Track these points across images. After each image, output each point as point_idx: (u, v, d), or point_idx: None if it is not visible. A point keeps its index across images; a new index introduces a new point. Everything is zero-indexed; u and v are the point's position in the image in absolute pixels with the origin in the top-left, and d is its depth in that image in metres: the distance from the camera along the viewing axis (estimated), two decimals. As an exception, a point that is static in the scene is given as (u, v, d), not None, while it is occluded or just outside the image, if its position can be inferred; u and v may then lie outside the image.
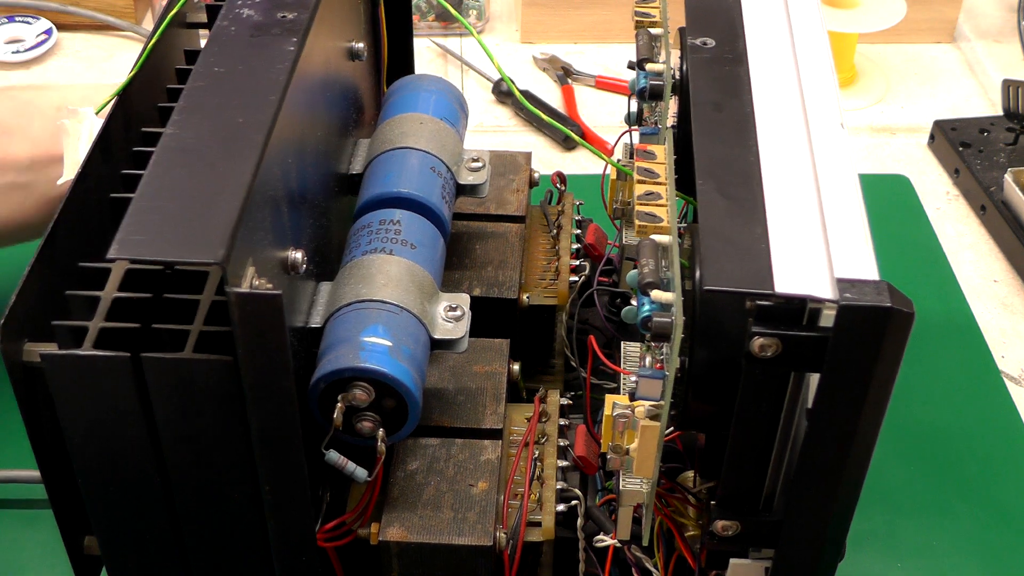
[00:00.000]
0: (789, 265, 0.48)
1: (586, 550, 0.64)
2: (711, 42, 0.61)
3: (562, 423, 0.68)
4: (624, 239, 0.75)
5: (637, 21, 0.71)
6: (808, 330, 0.47)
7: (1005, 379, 0.92)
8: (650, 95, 0.68)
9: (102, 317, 0.51)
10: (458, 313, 0.62)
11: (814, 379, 0.49)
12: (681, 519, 0.61)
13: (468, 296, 0.63)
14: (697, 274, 0.52)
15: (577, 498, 0.65)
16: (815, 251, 0.49)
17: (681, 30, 0.67)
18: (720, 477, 0.53)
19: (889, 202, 1.07)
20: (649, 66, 0.68)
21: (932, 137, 1.16)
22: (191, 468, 0.53)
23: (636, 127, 0.71)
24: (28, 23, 1.26)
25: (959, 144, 1.12)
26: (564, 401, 0.69)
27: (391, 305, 0.59)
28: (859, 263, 0.48)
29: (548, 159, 1.12)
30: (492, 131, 1.16)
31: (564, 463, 0.66)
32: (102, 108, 0.60)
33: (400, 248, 0.63)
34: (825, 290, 0.46)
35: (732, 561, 0.56)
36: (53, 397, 0.51)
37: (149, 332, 0.51)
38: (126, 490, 0.54)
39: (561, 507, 0.64)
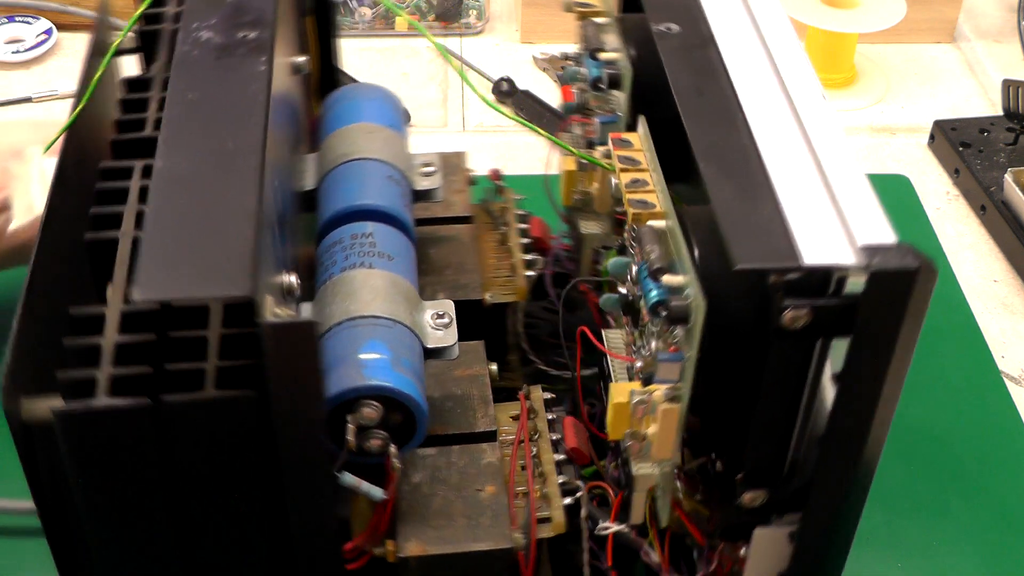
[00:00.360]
0: (809, 237, 0.51)
1: (589, 539, 0.67)
2: (675, 27, 0.64)
3: (549, 417, 0.70)
4: (583, 229, 0.78)
5: (579, 12, 0.74)
6: (837, 298, 0.50)
7: (1005, 379, 0.96)
8: (609, 84, 0.70)
9: (110, 364, 0.51)
10: (446, 320, 0.64)
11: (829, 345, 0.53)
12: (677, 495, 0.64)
13: (452, 302, 0.65)
14: (696, 254, 0.55)
15: (579, 489, 0.67)
16: (829, 221, 0.52)
17: (620, 19, 0.70)
18: (746, 451, 0.56)
19: (889, 202, 1.10)
20: (602, 55, 0.70)
21: (932, 137, 1.21)
22: (210, 508, 0.54)
23: (589, 118, 0.75)
24: (28, 23, 1.31)
25: (959, 144, 1.17)
26: (548, 396, 0.72)
27: (383, 319, 0.61)
28: (875, 228, 0.52)
29: (549, 158, 1.16)
30: (492, 131, 1.21)
31: (559, 457, 0.68)
32: (49, 147, 0.61)
33: (378, 261, 0.64)
34: (851, 257, 0.50)
35: (757, 531, 0.59)
36: (64, 453, 0.50)
37: (161, 375, 0.51)
38: (141, 539, 0.54)
39: (568, 500, 0.66)
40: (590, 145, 0.74)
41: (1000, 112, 1.20)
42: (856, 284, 0.50)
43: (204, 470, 0.52)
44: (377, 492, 0.60)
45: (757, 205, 0.54)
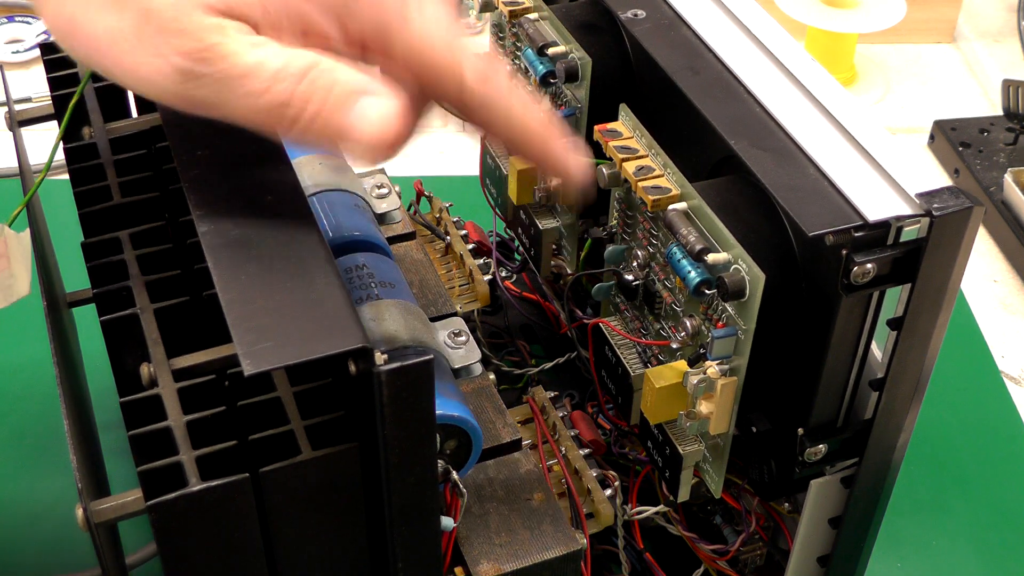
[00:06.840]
0: (861, 195, 0.56)
1: (623, 526, 0.71)
2: (642, 13, 0.69)
3: (560, 415, 0.74)
4: (542, 226, 0.81)
5: (511, 11, 0.79)
6: (899, 247, 0.55)
7: (1005, 379, 1.02)
8: (566, 78, 0.73)
9: (188, 446, 0.51)
10: (463, 338, 0.66)
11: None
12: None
13: (462, 319, 0.67)
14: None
15: (614, 480, 0.71)
16: (870, 176, 0.57)
17: (565, 11, 0.75)
18: (812, 407, 0.61)
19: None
20: (552, 50, 0.73)
21: (932, 137, 1.27)
22: (311, 563, 0.56)
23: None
24: (28, 23, 1.37)
25: (959, 144, 1.23)
26: (551, 394, 0.76)
27: (412, 349, 0.62)
28: (916, 176, 0.57)
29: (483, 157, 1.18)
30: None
31: (584, 451, 0.72)
32: (13, 219, 0.61)
33: (383, 290, 0.65)
34: (911, 207, 0.55)
35: (813, 482, 0.63)
36: (162, 543, 0.50)
37: (247, 445, 0.52)
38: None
39: (608, 492, 0.71)
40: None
41: (1000, 112, 1.27)
42: (911, 232, 0.55)
43: (305, 527, 0.54)
44: (448, 522, 0.62)
45: (799, 172, 0.58)
